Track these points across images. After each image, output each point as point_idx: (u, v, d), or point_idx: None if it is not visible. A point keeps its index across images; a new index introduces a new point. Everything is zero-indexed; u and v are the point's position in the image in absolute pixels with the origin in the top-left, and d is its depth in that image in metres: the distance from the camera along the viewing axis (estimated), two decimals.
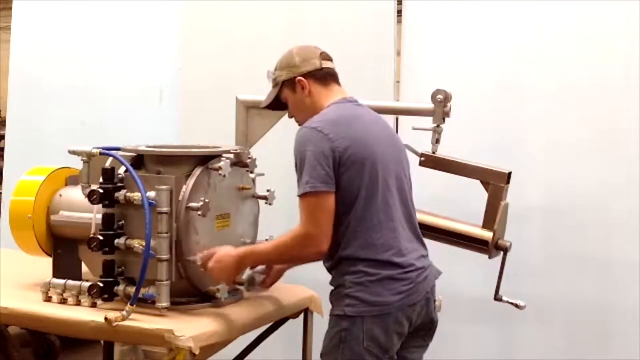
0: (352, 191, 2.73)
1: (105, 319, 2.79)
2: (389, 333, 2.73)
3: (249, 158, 3.19)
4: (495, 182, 3.23)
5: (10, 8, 5.41)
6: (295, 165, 2.77)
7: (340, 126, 2.76)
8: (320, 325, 3.38)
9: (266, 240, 3.14)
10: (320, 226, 2.70)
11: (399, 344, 2.80)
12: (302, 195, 2.71)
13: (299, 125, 2.97)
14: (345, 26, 4.10)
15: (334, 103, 2.88)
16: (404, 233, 2.83)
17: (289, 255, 2.84)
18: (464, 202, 3.52)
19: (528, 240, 3.88)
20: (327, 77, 2.93)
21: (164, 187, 2.87)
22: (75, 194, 3.15)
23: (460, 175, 3.32)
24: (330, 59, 2.96)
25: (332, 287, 2.85)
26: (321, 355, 2.82)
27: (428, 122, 3.30)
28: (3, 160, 5.63)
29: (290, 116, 3.03)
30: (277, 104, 3.04)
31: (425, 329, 2.91)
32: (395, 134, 3.04)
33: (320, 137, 2.71)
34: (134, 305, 2.82)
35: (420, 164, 3.31)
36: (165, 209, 2.86)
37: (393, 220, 2.79)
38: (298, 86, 2.91)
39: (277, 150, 3.66)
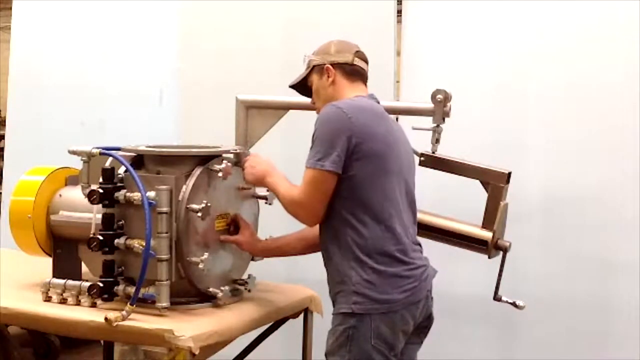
0: (369, 181, 2.74)
1: (105, 319, 2.79)
2: (396, 331, 2.75)
3: None
4: (495, 182, 3.22)
5: (10, 8, 5.42)
6: (313, 136, 2.80)
7: (366, 114, 2.80)
8: (320, 325, 3.38)
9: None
10: (311, 201, 2.77)
11: (404, 342, 2.81)
12: (308, 167, 2.76)
13: (317, 114, 2.99)
14: (345, 26, 4.08)
15: (356, 97, 2.91)
16: (407, 231, 2.85)
17: (285, 203, 2.87)
18: (464, 202, 3.52)
19: (528, 240, 3.88)
20: (355, 73, 2.97)
21: (164, 187, 2.87)
22: (75, 194, 3.15)
23: (460, 175, 3.32)
24: (365, 60, 3.01)
25: (333, 285, 2.84)
26: (326, 355, 2.81)
27: (428, 122, 3.30)
28: (3, 160, 5.63)
29: (312, 102, 3.06)
30: (303, 89, 3.08)
31: (422, 327, 2.92)
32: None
33: (343, 119, 2.74)
34: (134, 305, 2.83)
35: (420, 164, 3.31)
36: (165, 209, 2.86)
37: (401, 217, 2.82)
38: (325, 73, 2.94)
39: (277, 150, 3.66)
